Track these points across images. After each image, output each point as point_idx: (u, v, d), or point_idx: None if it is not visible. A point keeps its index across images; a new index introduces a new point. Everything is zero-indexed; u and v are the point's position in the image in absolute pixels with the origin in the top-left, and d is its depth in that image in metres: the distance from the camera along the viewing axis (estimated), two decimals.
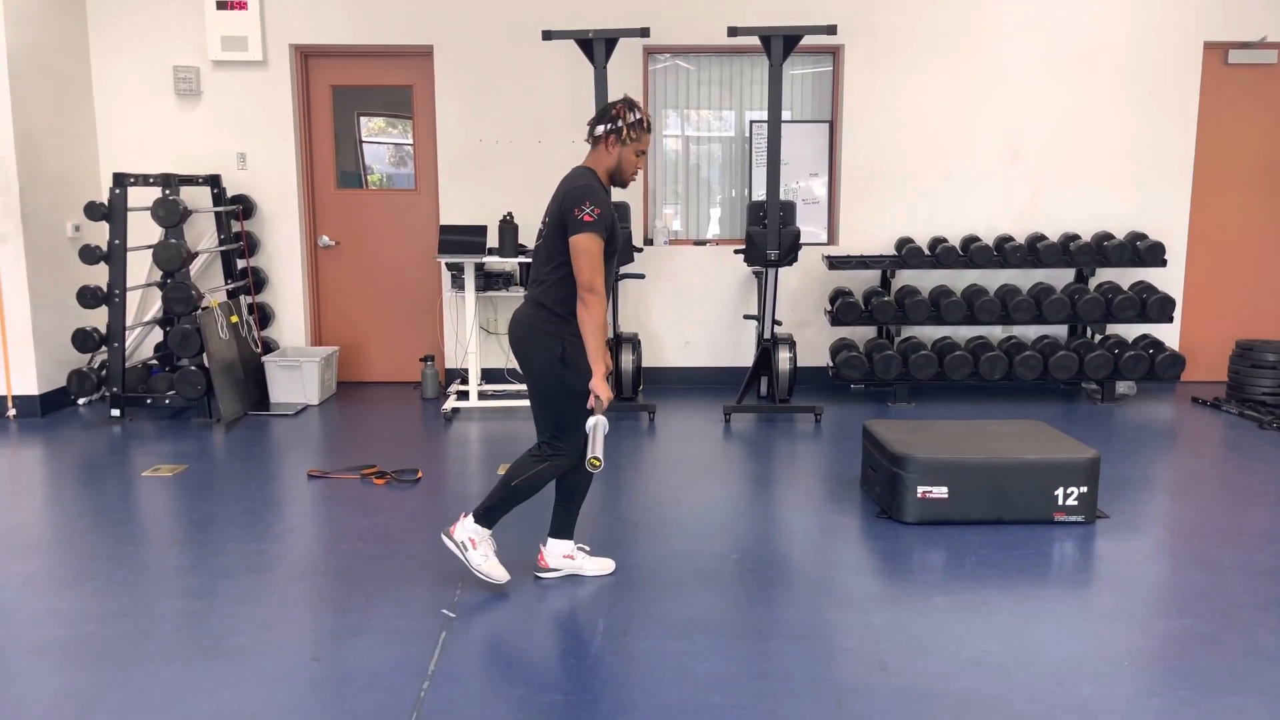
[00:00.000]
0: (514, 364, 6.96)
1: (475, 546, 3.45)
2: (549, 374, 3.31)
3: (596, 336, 3.24)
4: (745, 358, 6.90)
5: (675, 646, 3.05)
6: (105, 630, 3.16)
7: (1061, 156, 6.81)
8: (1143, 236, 6.60)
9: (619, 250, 3.39)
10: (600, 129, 3.36)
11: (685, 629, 3.17)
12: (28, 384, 5.96)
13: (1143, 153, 6.80)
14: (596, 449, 3.18)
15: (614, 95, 6.46)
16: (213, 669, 2.91)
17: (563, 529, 3.60)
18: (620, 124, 3.33)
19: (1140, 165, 6.82)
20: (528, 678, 2.87)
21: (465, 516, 3.49)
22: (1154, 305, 6.43)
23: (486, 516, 3.46)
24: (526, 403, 6.29)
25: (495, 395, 6.56)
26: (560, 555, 3.59)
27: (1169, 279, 6.87)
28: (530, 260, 6.24)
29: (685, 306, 6.92)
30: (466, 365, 6.45)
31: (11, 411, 5.96)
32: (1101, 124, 6.78)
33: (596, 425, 3.24)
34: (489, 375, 6.92)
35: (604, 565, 3.64)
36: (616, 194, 6.48)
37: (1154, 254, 6.50)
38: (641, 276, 6.54)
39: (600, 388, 3.25)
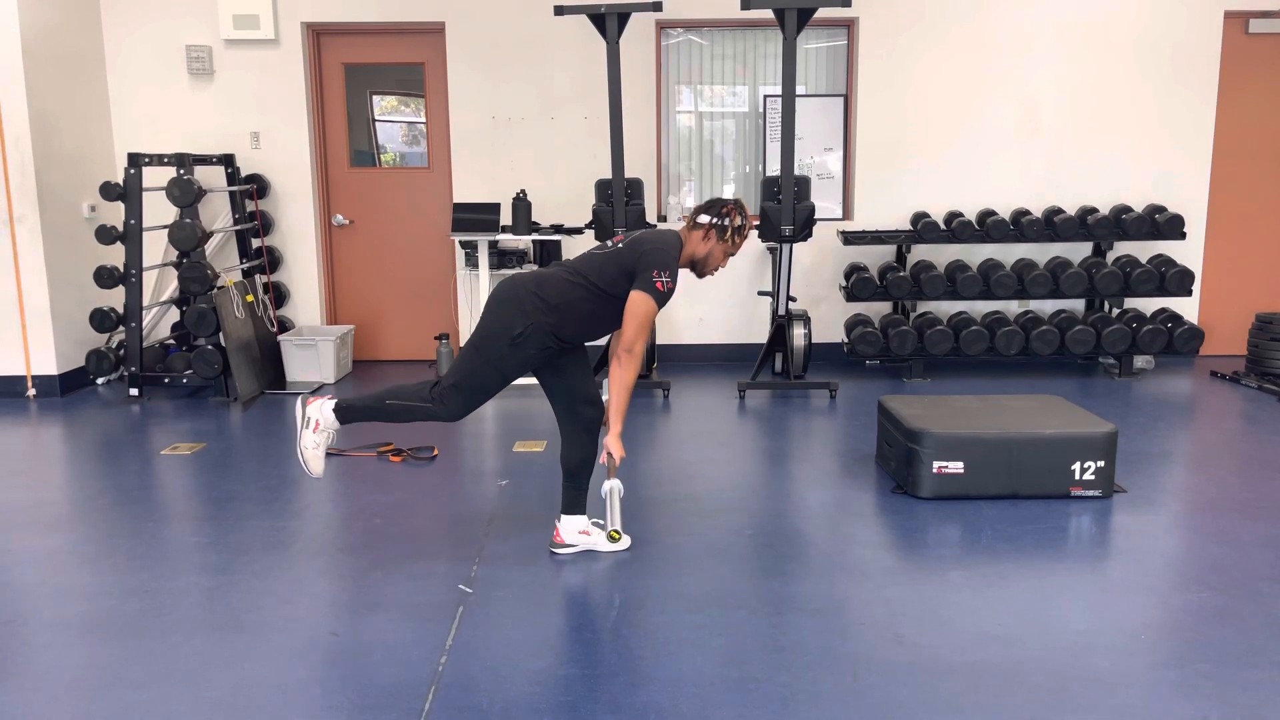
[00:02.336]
0: None
1: (316, 430, 3.39)
2: (495, 340, 3.30)
3: (624, 397, 3.29)
4: (760, 334, 6.88)
5: (691, 620, 3.06)
6: (127, 605, 3.20)
7: (1079, 129, 6.73)
8: (1161, 209, 6.53)
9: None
10: (704, 219, 3.41)
11: (701, 603, 3.18)
12: (47, 364, 6.01)
13: (1162, 124, 6.72)
14: (615, 521, 3.20)
15: (627, 70, 6.43)
16: (233, 643, 2.94)
17: (574, 505, 3.60)
18: (727, 224, 3.39)
19: (1159, 137, 6.74)
20: (544, 652, 2.89)
21: (329, 399, 3.43)
22: (1173, 278, 6.37)
23: (346, 412, 3.41)
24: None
25: None
26: (575, 531, 3.60)
27: (1188, 252, 6.80)
28: (544, 238, 6.25)
29: (699, 283, 6.88)
30: None
31: (31, 391, 6.01)
32: (1120, 95, 6.69)
33: (612, 490, 3.26)
34: None
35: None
36: (630, 169, 6.45)
37: (1173, 227, 6.43)
38: None
39: (615, 446, 3.28)
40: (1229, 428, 5.24)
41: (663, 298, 3.26)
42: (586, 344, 3.48)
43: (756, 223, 3.46)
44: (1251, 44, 6.72)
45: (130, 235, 5.89)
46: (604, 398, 3.33)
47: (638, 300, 3.23)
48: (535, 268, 6.52)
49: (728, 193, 7.06)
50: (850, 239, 6.53)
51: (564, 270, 3.38)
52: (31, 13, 5.79)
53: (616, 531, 3.17)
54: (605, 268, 3.32)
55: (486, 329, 3.34)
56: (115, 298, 6.26)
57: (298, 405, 3.43)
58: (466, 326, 6.94)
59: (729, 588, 3.31)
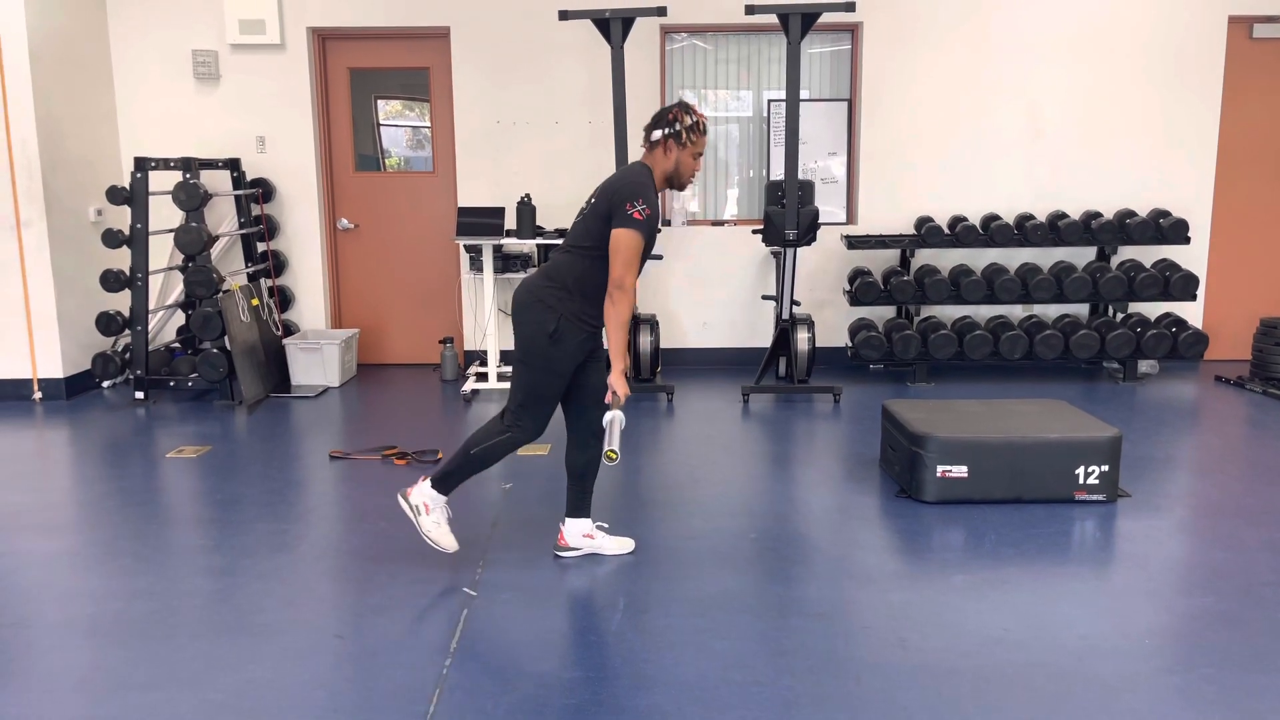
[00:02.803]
0: None
1: (428, 512, 3.45)
2: (536, 347, 3.32)
3: (620, 334, 3.26)
4: (763, 338, 6.89)
5: (695, 624, 3.07)
6: (132, 607, 3.21)
7: (1083, 133, 6.74)
8: (1166, 214, 6.53)
9: (649, 251, 3.39)
10: (657, 133, 3.37)
11: (705, 607, 3.19)
12: (53, 367, 6.03)
13: (1166, 128, 6.72)
14: (613, 442, 3.20)
15: (631, 75, 6.45)
16: (238, 645, 2.95)
17: (579, 508, 3.61)
18: (678, 127, 3.35)
19: (1163, 141, 6.74)
20: (548, 654, 2.89)
21: (423, 480, 3.49)
22: (1177, 283, 6.36)
23: (443, 482, 3.46)
24: None
25: None
26: (579, 534, 3.61)
27: (1192, 256, 6.80)
28: (548, 243, 6.26)
29: (703, 287, 6.91)
30: (485, 347, 6.47)
31: (37, 394, 6.03)
32: (1124, 99, 6.70)
33: (614, 419, 3.26)
34: (508, 357, 6.94)
35: (623, 544, 3.66)
36: None
37: (1177, 231, 6.43)
38: (659, 257, 6.51)
39: (619, 383, 3.27)
40: (1233, 432, 5.24)
41: (642, 225, 3.22)
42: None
43: (704, 118, 3.43)
44: (1255, 49, 6.73)
45: (136, 239, 5.92)
46: (607, 416, 3.32)
47: (618, 235, 3.21)
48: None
49: (731, 198, 7.07)
50: (854, 243, 6.54)
51: (561, 252, 3.39)
52: (39, 18, 5.82)
53: (613, 451, 3.18)
54: (590, 225, 3.32)
55: (524, 338, 3.35)
56: (121, 301, 6.28)
57: (400, 501, 3.49)
58: (470, 330, 6.96)
59: (733, 591, 3.31)
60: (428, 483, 3.47)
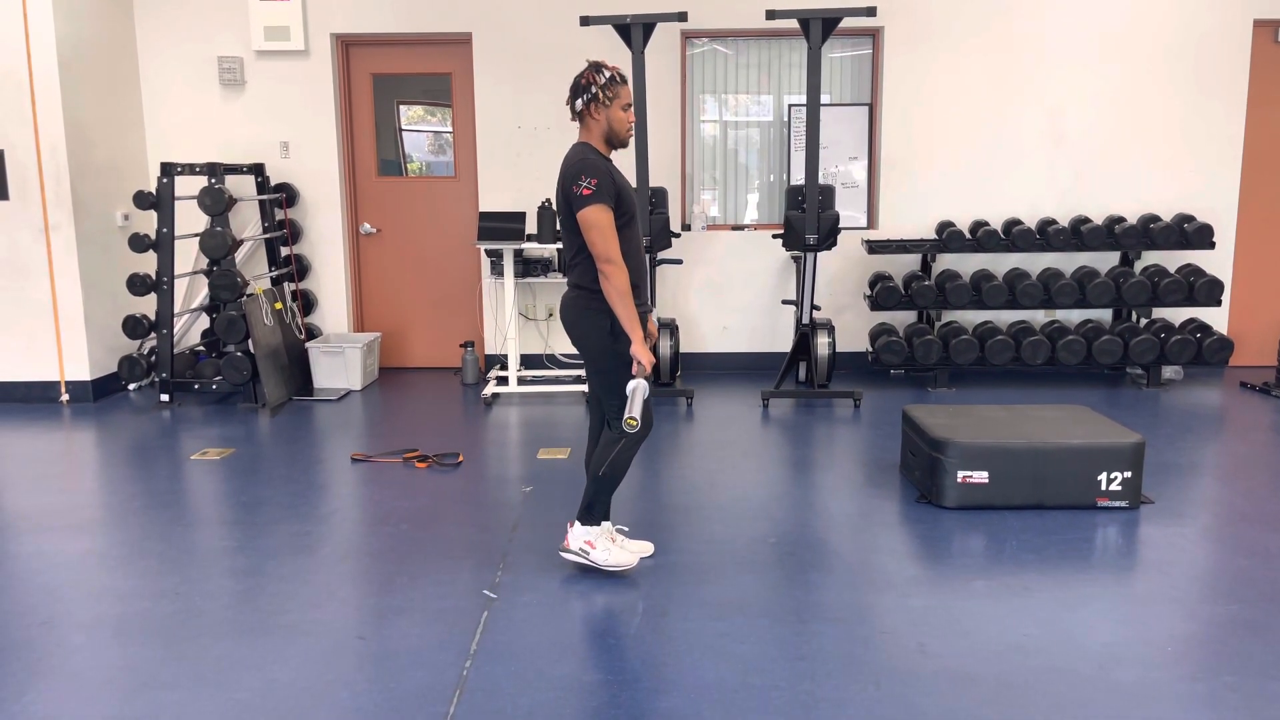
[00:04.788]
0: (553, 349, 7.02)
1: (594, 547, 3.44)
2: (602, 350, 3.33)
3: (625, 304, 3.24)
4: (784, 343, 6.88)
5: (714, 628, 3.07)
6: (158, 608, 3.25)
7: (1106, 137, 6.70)
8: (1190, 218, 6.48)
9: (635, 216, 3.37)
10: (579, 102, 3.36)
11: (724, 611, 3.19)
12: (80, 369, 6.11)
13: (1190, 133, 6.67)
14: (634, 409, 3.19)
15: (652, 80, 6.47)
16: (262, 646, 2.98)
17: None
18: (594, 90, 3.33)
19: (1187, 146, 6.69)
20: (568, 657, 2.91)
21: (571, 526, 3.49)
22: (1202, 288, 6.31)
23: (589, 515, 3.47)
24: (566, 388, 6.35)
25: (534, 380, 6.60)
26: (581, 540, 3.59)
27: (1217, 262, 6.74)
28: None
29: (723, 292, 6.91)
30: (506, 351, 6.50)
31: (65, 396, 6.11)
32: (1147, 104, 6.66)
33: (637, 387, 3.26)
34: (528, 361, 6.98)
35: (643, 548, 3.67)
36: (654, 178, 6.50)
37: (1202, 236, 6.38)
38: (679, 262, 6.54)
39: (640, 352, 3.25)
40: (1258, 439, 5.19)
41: (598, 196, 3.19)
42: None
43: (617, 69, 3.40)
44: None
45: (162, 243, 5.99)
46: (630, 384, 3.32)
47: (583, 216, 3.21)
48: (560, 276, 6.58)
49: (751, 203, 7.07)
50: (875, 248, 6.52)
51: (567, 263, 3.41)
52: (67, 26, 5.91)
53: (633, 418, 3.17)
54: (567, 228, 3.33)
55: (589, 347, 3.36)
56: (147, 305, 6.36)
57: (565, 557, 3.49)
58: (491, 334, 6.99)
59: (752, 596, 3.32)
60: (577, 525, 3.47)
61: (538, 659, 2.90)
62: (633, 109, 3.45)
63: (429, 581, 3.44)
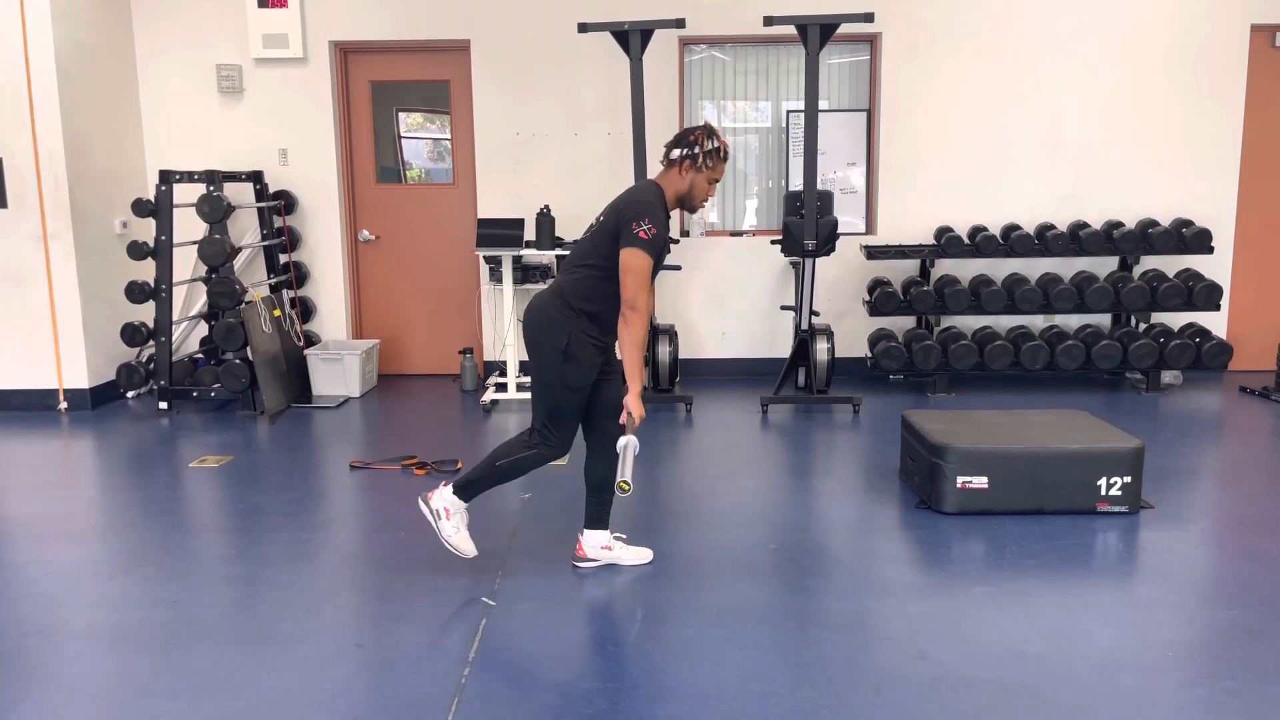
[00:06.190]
0: None
1: (448, 517, 3.46)
2: (551, 364, 3.32)
3: (635, 354, 3.26)
4: (783, 349, 6.88)
5: (713, 635, 3.07)
6: (155, 616, 3.24)
7: (1104, 142, 6.70)
8: (1189, 223, 6.48)
9: (659, 269, 3.38)
10: (676, 153, 3.35)
11: (723, 617, 3.19)
12: (78, 377, 6.10)
13: (1188, 138, 6.68)
14: (626, 472, 3.15)
15: (650, 87, 6.48)
16: (259, 654, 2.97)
17: (597, 520, 3.62)
18: (697, 150, 3.32)
19: (1186, 151, 6.69)
20: (566, 665, 2.90)
21: (445, 485, 3.50)
22: (1201, 293, 6.31)
23: (466, 490, 3.47)
24: None
25: None
26: (597, 546, 3.61)
27: (1216, 266, 6.74)
28: (566, 253, 6.27)
29: (722, 297, 6.91)
30: (505, 357, 6.50)
31: (63, 404, 6.10)
32: (1145, 109, 6.66)
33: (627, 446, 3.22)
34: (527, 368, 6.96)
35: (642, 554, 3.66)
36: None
37: (1200, 241, 6.38)
38: (678, 268, 6.54)
39: (634, 405, 3.27)
40: (1258, 443, 5.18)
41: (650, 245, 3.20)
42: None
43: (726, 145, 3.40)
44: (1278, 58, 6.67)
45: (161, 251, 5.98)
46: (621, 442, 3.30)
47: (626, 256, 3.20)
48: None
49: (750, 209, 7.08)
50: (873, 253, 6.52)
51: (569, 269, 3.39)
52: (66, 34, 5.91)
53: (625, 482, 3.15)
54: (598, 243, 3.31)
55: (538, 357, 3.36)
56: (146, 312, 6.35)
57: (421, 505, 3.52)
58: (490, 341, 6.99)
59: (751, 602, 3.31)
60: (449, 488, 3.49)
61: (536, 666, 2.89)
62: (716, 185, 3.45)
63: (427, 589, 3.43)
